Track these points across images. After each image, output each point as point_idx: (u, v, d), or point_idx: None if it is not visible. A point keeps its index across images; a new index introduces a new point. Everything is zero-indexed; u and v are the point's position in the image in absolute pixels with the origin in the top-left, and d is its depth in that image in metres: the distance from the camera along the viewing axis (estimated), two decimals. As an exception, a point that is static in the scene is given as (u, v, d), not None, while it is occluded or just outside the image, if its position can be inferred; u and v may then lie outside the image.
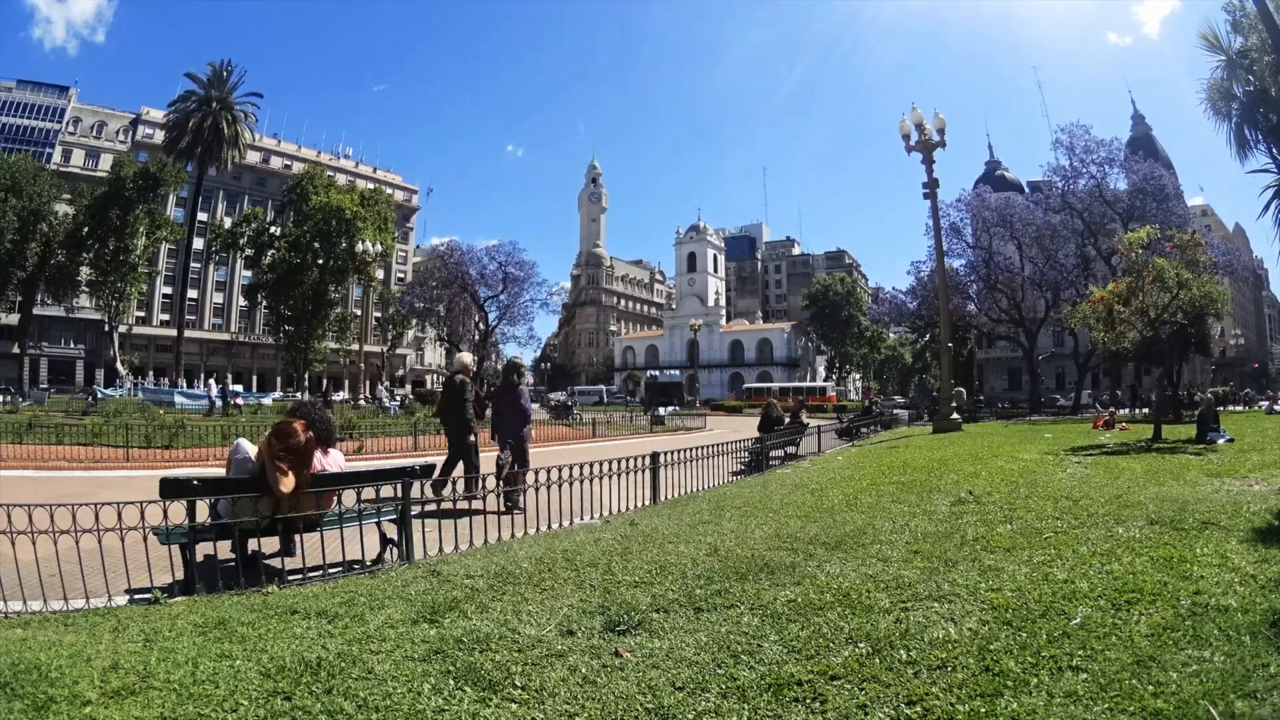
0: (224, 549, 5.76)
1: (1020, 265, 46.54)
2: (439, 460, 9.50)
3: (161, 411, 24.85)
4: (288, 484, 5.54)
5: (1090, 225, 42.60)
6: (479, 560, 5.88)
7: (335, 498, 6.02)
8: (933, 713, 2.95)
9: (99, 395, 39.81)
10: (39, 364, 70.10)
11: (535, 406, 16.39)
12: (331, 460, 6.11)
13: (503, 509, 8.12)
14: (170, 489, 5.45)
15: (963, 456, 13.49)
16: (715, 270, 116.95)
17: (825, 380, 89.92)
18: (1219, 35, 17.00)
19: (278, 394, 59.67)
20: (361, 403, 41.01)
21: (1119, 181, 43.23)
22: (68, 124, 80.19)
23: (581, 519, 7.84)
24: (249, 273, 63.22)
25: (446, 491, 7.05)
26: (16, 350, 62.57)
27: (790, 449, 15.62)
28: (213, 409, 32.63)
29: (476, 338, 61.37)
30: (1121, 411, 34.20)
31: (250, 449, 6.04)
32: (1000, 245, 46.49)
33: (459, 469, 9.88)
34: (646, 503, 9.24)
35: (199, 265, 77.36)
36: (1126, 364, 42.77)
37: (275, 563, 5.89)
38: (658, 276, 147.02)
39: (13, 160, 51.38)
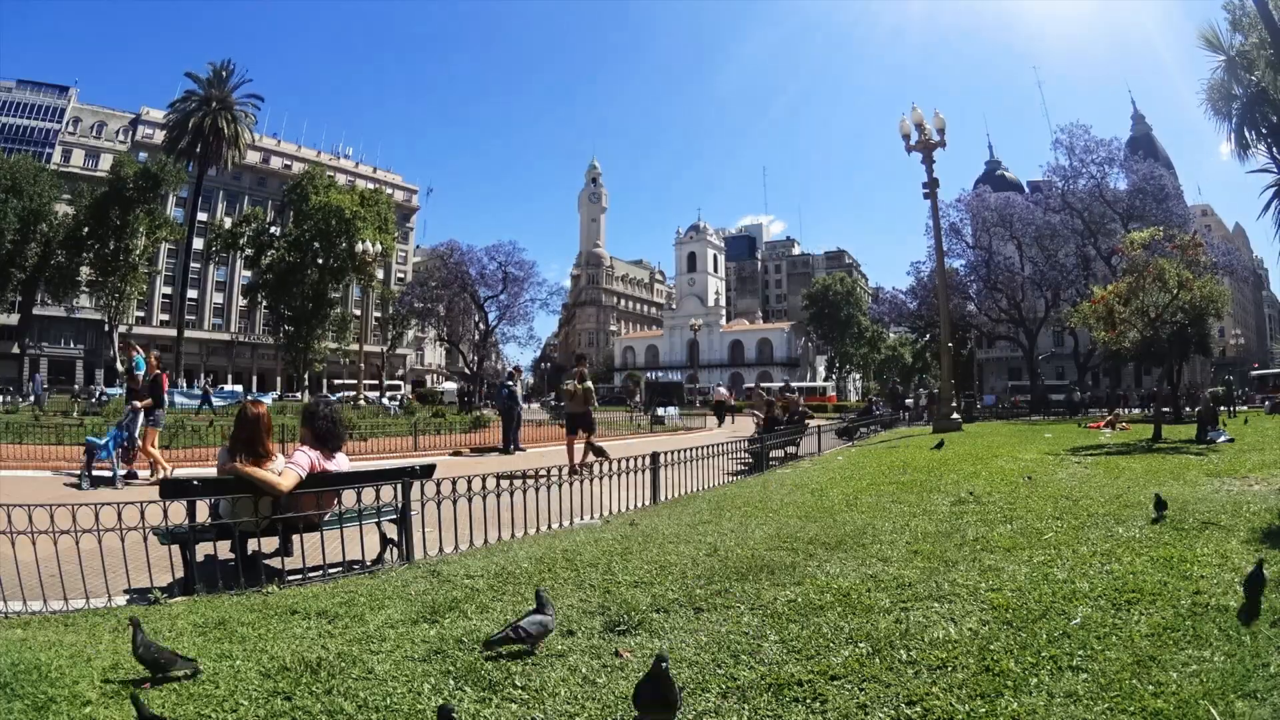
0: (224, 549, 5.76)
1: (1020, 265, 46.57)
2: (439, 460, 9.49)
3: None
4: (288, 481, 5.54)
5: (1090, 225, 42.61)
6: (479, 560, 5.88)
7: (336, 498, 6.01)
8: (933, 713, 2.95)
9: (105, 395, 39.65)
10: (39, 364, 70.06)
11: (534, 406, 17.09)
12: (337, 464, 6.12)
13: None
14: (170, 489, 5.45)
15: (963, 456, 13.49)
16: (715, 270, 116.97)
17: (825, 380, 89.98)
18: (1219, 34, 17.00)
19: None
20: (361, 402, 40.99)
21: (1119, 181, 43.29)
22: (68, 124, 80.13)
23: (581, 519, 7.84)
24: (249, 273, 63.30)
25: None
26: (16, 350, 62.60)
27: (790, 449, 15.60)
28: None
29: (476, 338, 61.39)
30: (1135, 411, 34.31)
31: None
32: (1000, 245, 46.51)
33: None
34: (646, 503, 9.23)
35: (199, 265, 77.30)
36: (1126, 364, 42.74)
37: (275, 563, 5.88)
38: (658, 276, 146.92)
39: (13, 160, 51.47)
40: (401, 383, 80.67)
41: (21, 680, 3.30)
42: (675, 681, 2.87)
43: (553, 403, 46.93)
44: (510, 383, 19.76)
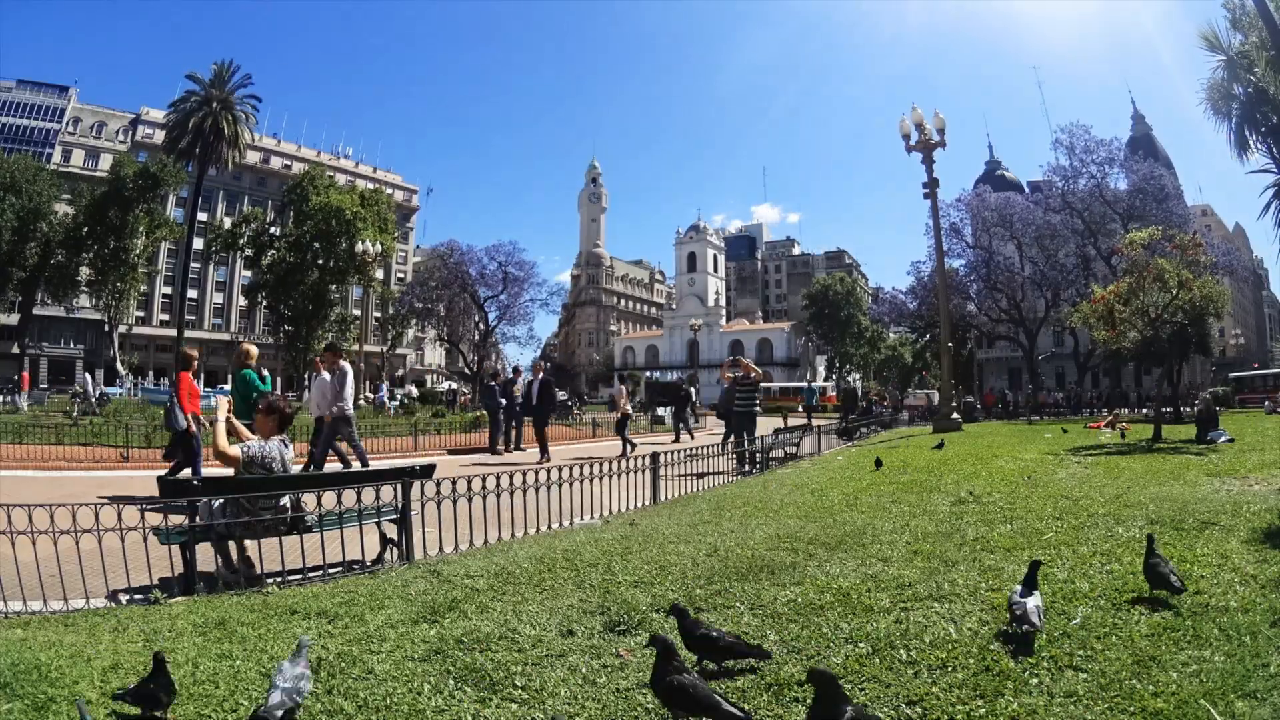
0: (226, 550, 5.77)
1: (1020, 265, 46.52)
2: (439, 460, 9.48)
3: (162, 411, 24.81)
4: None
5: (1090, 225, 42.56)
6: (479, 560, 5.88)
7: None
8: (932, 713, 2.95)
9: (105, 395, 39.46)
10: (39, 364, 70.07)
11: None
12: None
13: None
14: (170, 489, 5.45)
15: (962, 456, 13.49)
16: (715, 270, 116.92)
17: (825, 380, 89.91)
18: (1218, 34, 16.97)
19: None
20: (360, 402, 41.03)
21: (1119, 181, 43.21)
22: (67, 124, 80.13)
23: (581, 519, 7.84)
24: (249, 273, 63.30)
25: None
26: (16, 350, 62.57)
27: (790, 449, 15.59)
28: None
29: (476, 338, 61.32)
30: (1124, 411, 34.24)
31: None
32: (1000, 245, 46.44)
33: None
34: (646, 503, 9.24)
35: (199, 265, 77.29)
36: (1126, 364, 42.73)
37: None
38: (658, 276, 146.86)
39: (12, 160, 51.37)
40: (416, 387, 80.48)
41: (21, 680, 3.30)
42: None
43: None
44: (495, 382, 19.73)
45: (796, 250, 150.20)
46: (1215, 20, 17.38)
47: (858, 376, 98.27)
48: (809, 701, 3.09)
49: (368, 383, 63.79)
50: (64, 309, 62.87)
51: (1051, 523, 6.53)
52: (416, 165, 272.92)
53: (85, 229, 52.51)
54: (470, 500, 6.51)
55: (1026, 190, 57.18)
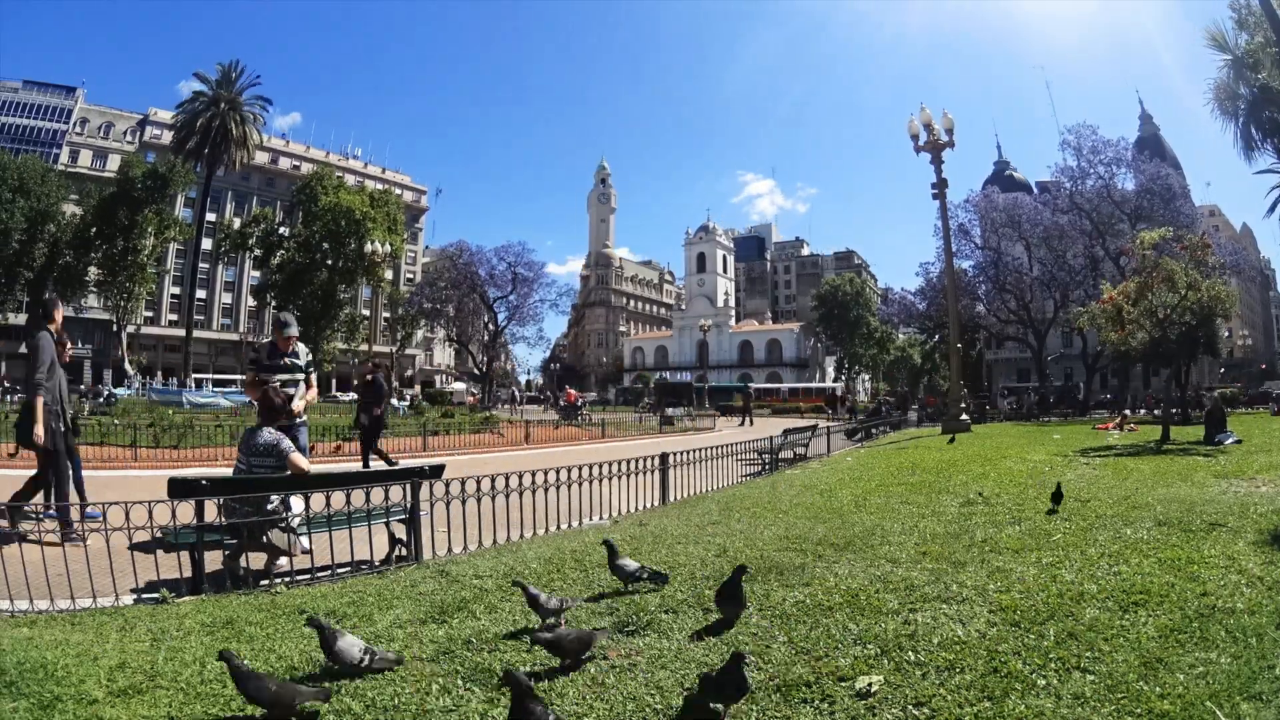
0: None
1: (1029, 266, 46.43)
2: (446, 460, 9.45)
3: (170, 411, 24.95)
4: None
5: (1098, 225, 42.45)
6: (488, 561, 5.89)
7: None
8: (940, 714, 2.95)
9: (113, 395, 39.55)
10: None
11: (537, 408, 17.04)
12: None
13: None
14: (178, 489, 5.46)
15: (971, 457, 13.45)
16: (725, 271, 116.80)
17: (835, 381, 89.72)
18: (1225, 34, 16.94)
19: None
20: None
21: (1127, 182, 43.10)
22: (75, 125, 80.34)
23: (590, 519, 7.84)
24: (257, 273, 63.55)
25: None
26: (24, 350, 62.86)
27: (799, 450, 15.57)
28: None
29: (485, 338, 61.45)
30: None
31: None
32: (1009, 246, 46.35)
33: None
34: (655, 503, 9.24)
35: (207, 265, 77.54)
36: (1134, 365, 42.59)
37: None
38: (667, 277, 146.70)
39: (20, 161, 51.58)
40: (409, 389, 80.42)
41: (28, 679, 3.32)
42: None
43: (562, 404, 46.96)
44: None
45: (806, 251, 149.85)
46: (1220, 20, 17.39)
47: (867, 378, 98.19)
48: (816, 701, 3.09)
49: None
50: (72, 309, 63.17)
51: (1060, 524, 6.51)
52: (426, 166, 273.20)
53: (93, 229, 52.69)
54: (479, 500, 6.52)
55: (1035, 191, 57.03)
